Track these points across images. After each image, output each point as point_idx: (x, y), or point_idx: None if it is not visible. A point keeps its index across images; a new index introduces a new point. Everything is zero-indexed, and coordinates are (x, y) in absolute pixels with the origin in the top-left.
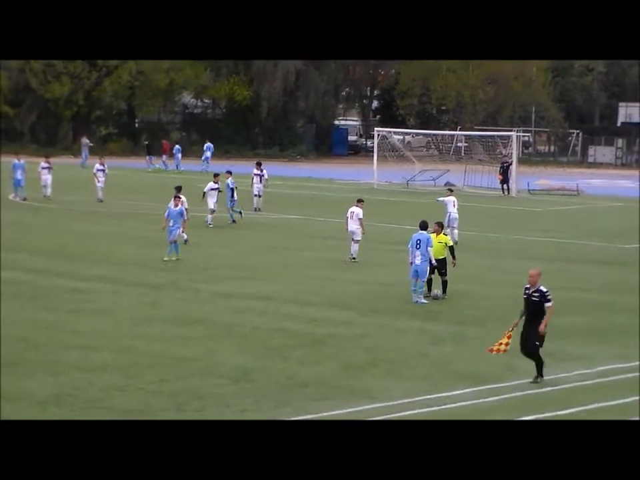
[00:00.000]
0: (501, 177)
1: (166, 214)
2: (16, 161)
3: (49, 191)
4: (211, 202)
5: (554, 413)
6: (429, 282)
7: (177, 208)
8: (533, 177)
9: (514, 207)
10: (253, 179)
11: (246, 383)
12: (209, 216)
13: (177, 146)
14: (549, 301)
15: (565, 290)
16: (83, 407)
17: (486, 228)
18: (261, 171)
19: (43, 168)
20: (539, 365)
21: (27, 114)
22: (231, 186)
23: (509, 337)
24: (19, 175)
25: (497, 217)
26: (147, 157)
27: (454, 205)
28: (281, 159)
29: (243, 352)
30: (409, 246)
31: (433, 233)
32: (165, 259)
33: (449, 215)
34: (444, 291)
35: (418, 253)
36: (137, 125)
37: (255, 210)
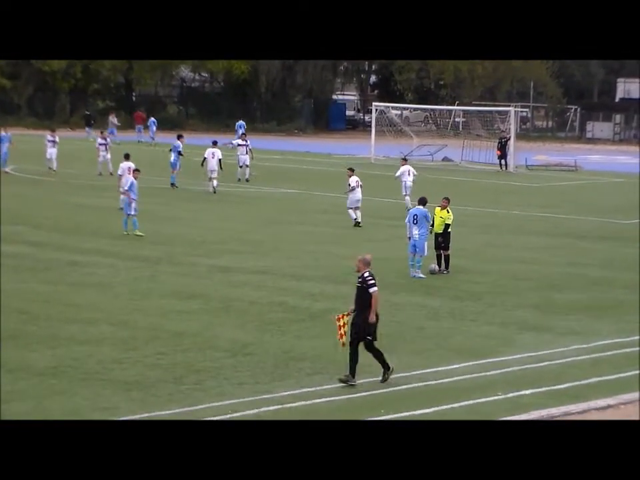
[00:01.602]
0: (499, 152)
1: (127, 187)
2: (3, 133)
3: (54, 164)
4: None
5: (550, 388)
6: (438, 257)
7: (136, 180)
8: (531, 152)
9: (512, 183)
10: (237, 150)
11: (243, 356)
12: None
13: (152, 119)
14: (371, 286)
15: (564, 265)
16: (81, 378)
17: (484, 203)
18: (246, 142)
19: (49, 141)
20: (380, 358)
21: (24, 87)
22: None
23: (342, 327)
24: (4, 147)
25: (495, 193)
26: (86, 128)
27: (409, 174)
28: (279, 133)
29: (240, 326)
30: (406, 221)
31: (438, 207)
32: (139, 233)
33: (405, 184)
34: (447, 266)
35: (415, 228)
36: (134, 99)
37: (239, 180)
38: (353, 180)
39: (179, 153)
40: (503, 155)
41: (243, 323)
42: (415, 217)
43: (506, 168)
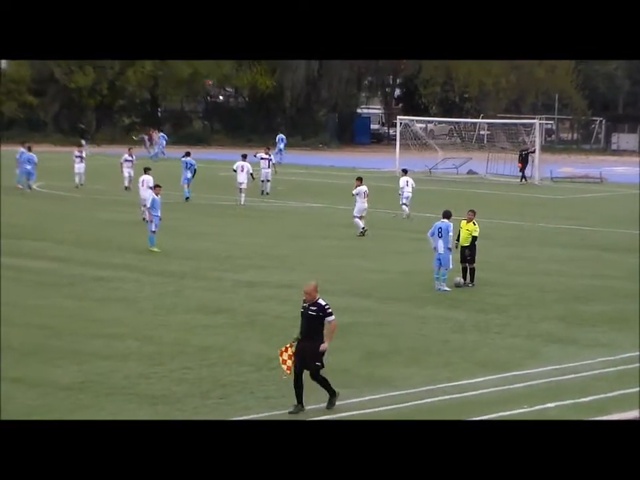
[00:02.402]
0: (520, 164)
1: (149, 203)
2: (23, 150)
3: (82, 178)
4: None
5: (575, 400)
6: (464, 270)
7: (159, 197)
8: (556, 164)
9: (537, 195)
10: (260, 163)
11: (269, 370)
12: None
13: (161, 134)
14: (329, 314)
15: (590, 278)
16: (107, 392)
17: (509, 216)
18: (269, 155)
19: (76, 157)
20: (326, 386)
21: (50, 103)
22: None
23: (289, 357)
24: (27, 165)
25: (520, 205)
26: (82, 141)
27: (407, 184)
28: (304, 148)
29: (265, 340)
30: (429, 234)
31: (464, 220)
32: (155, 249)
33: (403, 193)
34: (472, 279)
35: (440, 241)
36: (160, 114)
37: (262, 193)
38: (361, 189)
39: (193, 168)
40: (524, 167)
41: (268, 337)
42: (440, 230)
43: (526, 180)
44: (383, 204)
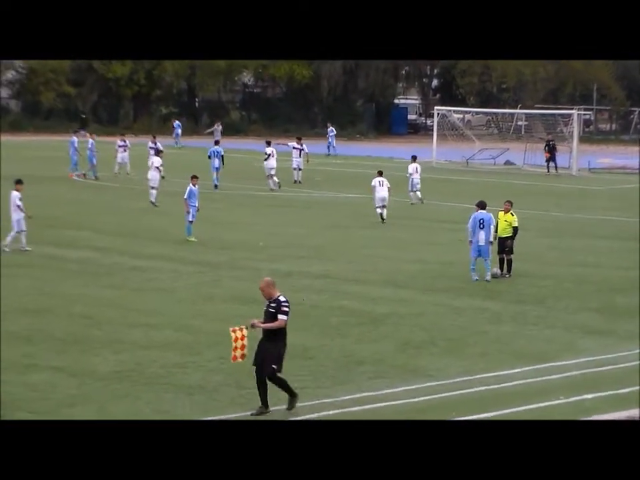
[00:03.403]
0: (547, 154)
1: (186, 195)
2: (75, 138)
3: (127, 167)
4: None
5: (612, 392)
6: (501, 261)
7: (196, 187)
8: (595, 155)
9: (574, 186)
10: (292, 153)
11: (304, 360)
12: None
13: (177, 122)
14: (283, 313)
15: (627, 269)
16: (144, 382)
17: (546, 207)
18: (301, 145)
19: (119, 146)
20: (284, 387)
21: (88, 94)
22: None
23: (242, 347)
24: (89, 153)
25: (558, 196)
26: (81, 131)
27: (416, 171)
28: (341, 138)
29: (302, 330)
30: (469, 225)
31: (502, 211)
32: (193, 239)
33: (412, 180)
34: (509, 270)
35: (482, 232)
36: (197, 105)
37: (294, 182)
38: (376, 180)
39: (222, 158)
40: (551, 158)
41: (304, 327)
42: (482, 221)
43: (556, 170)
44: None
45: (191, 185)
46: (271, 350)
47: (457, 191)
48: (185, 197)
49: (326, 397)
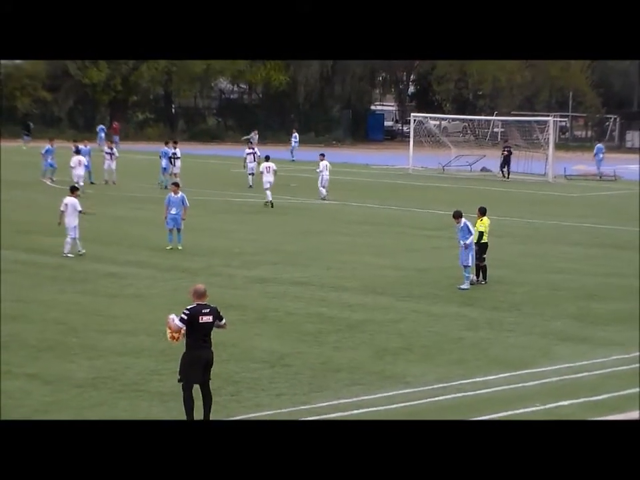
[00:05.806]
0: (503, 155)
1: (166, 201)
2: (49, 146)
3: (114, 176)
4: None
5: (589, 399)
6: (476, 268)
7: (178, 195)
8: (570, 162)
9: (550, 193)
10: (246, 158)
11: (281, 367)
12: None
13: (101, 126)
14: (182, 319)
15: (603, 276)
16: (120, 389)
17: (522, 213)
18: (253, 149)
19: (106, 153)
20: (209, 403)
21: (64, 99)
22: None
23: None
24: (50, 159)
25: (534, 203)
26: (23, 137)
27: (326, 168)
28: (317, 144)
29: (277, 337)
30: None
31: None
32: (169, 247)
33: (322, 176)
34: (484, 277)
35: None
36: (173, 110)
37: (249, 187)
38: (322, 165)
39: (170, 158)
40: (506, 163)
41: (280, 334)
42: (462, 229)
43: (507, 176)
44: (395, 201)
45: (171, 192)
46: (212, 360)
47: (433, 197)
48: (166, 202)
49: (303, 404)
